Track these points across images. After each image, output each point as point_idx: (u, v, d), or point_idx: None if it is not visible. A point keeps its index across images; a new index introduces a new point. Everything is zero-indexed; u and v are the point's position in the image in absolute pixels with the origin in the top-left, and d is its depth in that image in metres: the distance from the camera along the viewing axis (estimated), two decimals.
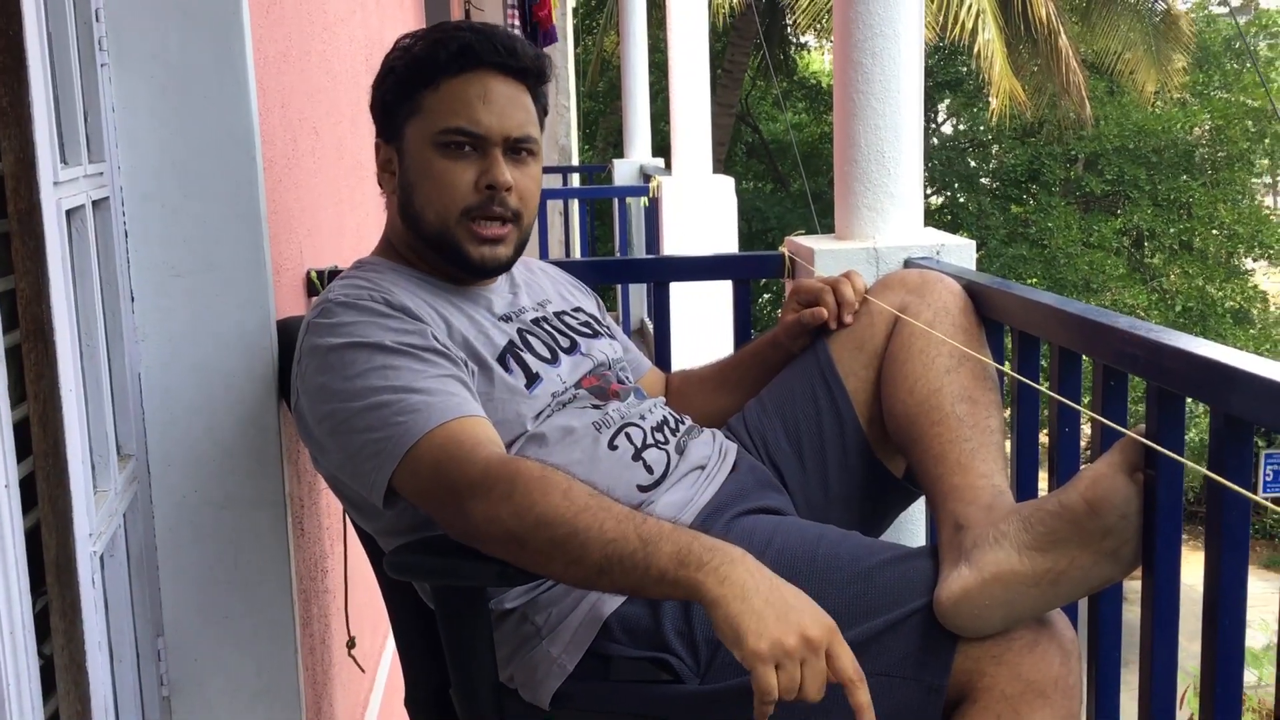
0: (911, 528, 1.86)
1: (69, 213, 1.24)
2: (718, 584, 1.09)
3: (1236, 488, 1.08)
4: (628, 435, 1.43)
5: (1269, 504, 1.03)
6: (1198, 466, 1.11)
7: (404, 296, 1.38)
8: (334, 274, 1.71)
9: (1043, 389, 1.45)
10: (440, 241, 1.43)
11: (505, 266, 1.47)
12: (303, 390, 1.37)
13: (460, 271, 1.46)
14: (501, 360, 1.41)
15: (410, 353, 1.31)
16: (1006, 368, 1.51)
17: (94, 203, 1.33)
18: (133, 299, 1.44)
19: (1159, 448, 1.17)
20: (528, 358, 1.43)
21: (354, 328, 1.33)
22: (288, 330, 1.50)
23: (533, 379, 1.41)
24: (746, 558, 1.13)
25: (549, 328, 1.51)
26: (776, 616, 1.08)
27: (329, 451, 1.35)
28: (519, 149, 1.43)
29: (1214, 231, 14.55)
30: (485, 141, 1.41)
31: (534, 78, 1.46)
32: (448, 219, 1.41)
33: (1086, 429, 1.35)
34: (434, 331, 1.36)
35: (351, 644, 1.73)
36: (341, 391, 1.31)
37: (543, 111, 1.48)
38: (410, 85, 1.43)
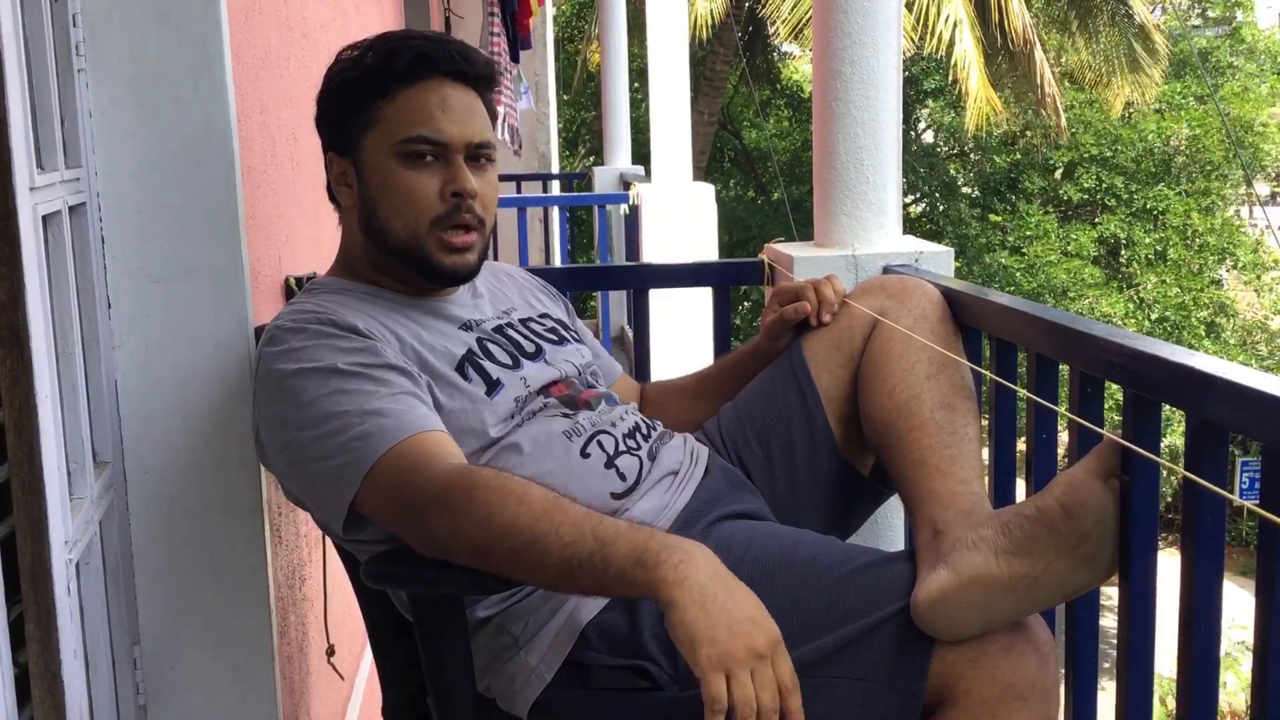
0: (889, 532, 1.87)
1: (45, 218, 1.24)
2: (676, 585, 1.08)
3: (1214, 487, 1.09)
4: (599, 443, 1.42)
5: (1249, 505, 1.04)
6: (1175, 466, 1.12)
7: (351, 315, 1.36)
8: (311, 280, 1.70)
9: (1021, 390, 1.46)
10: (409, 253, 1.41)
11: (474, 273, 1.46)
12: (260, 420, 1.36)
13: (429, 282, 1.45)
14: (460, 369, 1.40)
15: (363, 373, 1.30)
16: (985, 373, 1.52)
17: (70, 208, 1.33)
18: (109, 305, 1.44)
19: (1137, 448, 1.17)
20: (487, 365, 1.42)
21: (304, 352, 1.32)
22: None
23: (493, 385, 1.40)
24: (700, 554, 1.11)
25: (513, 334, 1.50)
26: (729, 626, 1.07)
27: (290, 481, 1.35)
28: (479, 155, 1.43)
29: (1187, 241, 14.63)
30: (447, 149, 1.40)
31: (485, 83, 1.46)
32: (417, 230, 1.40)
33: (1063, 436, 1.36)
34: (383, 347, 1.34)
35: (331, 652, 1.72)
36: (296, 420, 1.29)
37: (493, 117, 1.49)
38: (363, 96, 1.41)
